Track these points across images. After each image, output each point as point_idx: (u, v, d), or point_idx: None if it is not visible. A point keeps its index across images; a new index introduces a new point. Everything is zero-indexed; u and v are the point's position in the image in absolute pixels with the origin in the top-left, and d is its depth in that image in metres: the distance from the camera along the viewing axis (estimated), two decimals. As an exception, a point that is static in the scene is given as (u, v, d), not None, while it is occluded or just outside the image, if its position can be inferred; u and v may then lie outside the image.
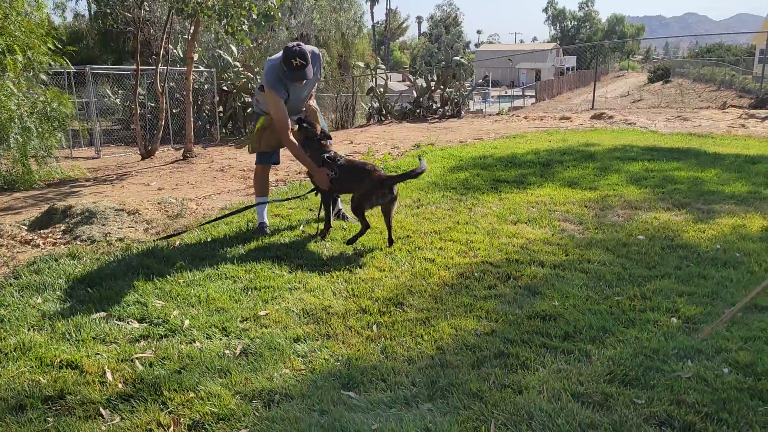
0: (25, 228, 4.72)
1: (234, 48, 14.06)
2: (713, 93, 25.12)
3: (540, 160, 7.22)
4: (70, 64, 7.83)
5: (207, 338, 2.82)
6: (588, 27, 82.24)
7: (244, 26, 8.79)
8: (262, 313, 3.08)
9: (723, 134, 9.85)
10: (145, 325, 2.96)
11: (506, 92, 41.92)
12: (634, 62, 71.64)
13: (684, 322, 2.93)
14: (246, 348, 2.72)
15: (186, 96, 9.80)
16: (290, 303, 3.21)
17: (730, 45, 45.12)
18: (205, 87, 13.75)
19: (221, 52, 14.18)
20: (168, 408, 2.27)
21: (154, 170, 8.69)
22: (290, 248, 4.10)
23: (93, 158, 11.20)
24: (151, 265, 3.71)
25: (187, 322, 2.96)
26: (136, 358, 2.62)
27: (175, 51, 13.95)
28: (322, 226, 4.42)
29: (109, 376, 2.47)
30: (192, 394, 2.34)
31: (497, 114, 16.46)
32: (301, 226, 4.65)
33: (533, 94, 37.79)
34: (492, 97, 33.32)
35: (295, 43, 4.06)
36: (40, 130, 7.15)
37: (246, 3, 8.59)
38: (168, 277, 3.53)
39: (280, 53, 4.15)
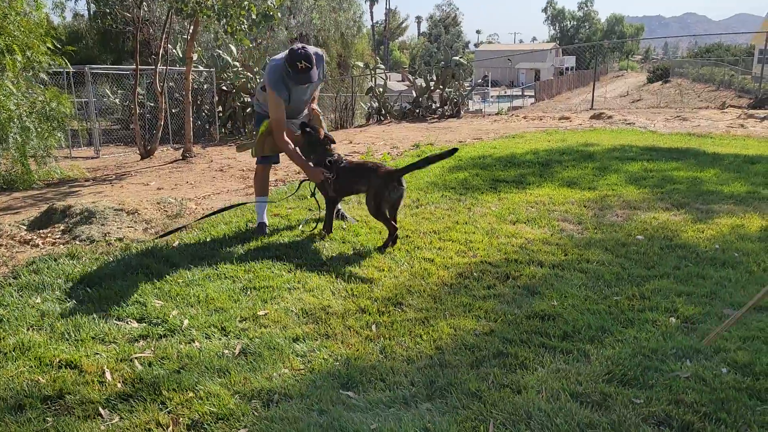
0: (24, 228, 4.72)
1: (233, 48, 14.06)
2: (712, 93, 25.15)
3: (539, 160, 7.22)
4: (69, 64, 7.83)
5: (206, 338, 2.82)
6: (587, 27, 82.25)
7: (243, 26, 8.79)
8: (261, 312, 3.08)
9: (722, 134, 9.86)
10: (144, 324, 2.97)
11: (505, 92, 41.87)
12: (634, 62, 71.69)
13: (683, 322, 2.93)
14: (245, 348, 2.72)
15: (185, 96, 9.80)
16: (289, 303, 3.21)
17: (729, 45, 45.18)
18: (205, 87, 13.75)
19: (220, 51, 14.19)
20: (167, 408, 2.27)
21: (154, 170, 8.69)
22: (289, 248, 4.11)
23: (92, 158, 11.20)
24: (150, 265, 3.72)
25: (186, 321, 2.96)
26: (135, 357, 2.62)
27: (174, 51, 13.95)
28: (321, 225, 4.42)
29: (108, 375, 2.47)
30: (191, 394, 2.34)
31: (496, 114, 16.47)
32: (301, 226, 4.66)
33: (532, 94, 37.80)
34: (491, 97, 33.30)
35: (300, 46, 4.05)
36: (39, 129, 7.15)
37: (245, 3, 8.59)
38: (167, 276, 3.54)
39: (283, 53, 4.15)
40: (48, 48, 7.12)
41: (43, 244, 4.29)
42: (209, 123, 13.77)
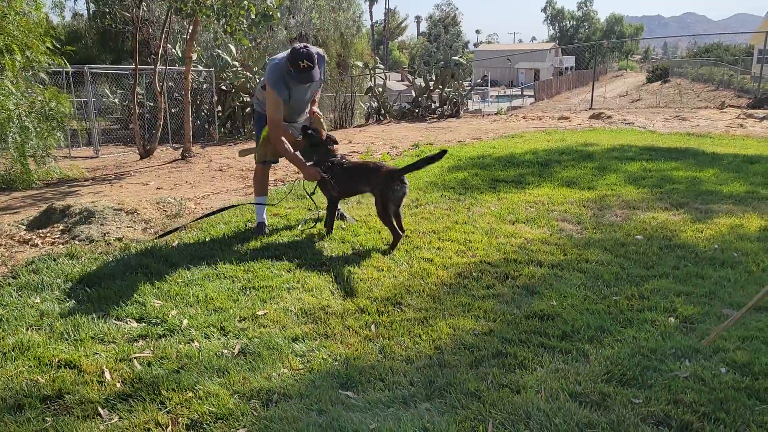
0: (24, 227, 4.72)
1: (232, 47, 14.06)
2: (711, 93, 25.15)
3: (538, 159, 7.22)
4: (68, 63, 7.83)
5: (205, 338, 2.82)
6: (587, 27, 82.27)
7: (242, 26, 8.79)
8: (260, 312, 3.08)
9: (721, 134, 9.86)
10: (144, 324, 2.97)
11: (505, 92, 41.89)
12: (633, 62, 71.71)
13: (682, 322, 2.94)
14: (244, 347, 2.72)
15: (184, 95, 9.80)
16: (288, 303, 3.21)
17: (728, 45, 45.18)
18: (204, 86, 13.74)
19: (220, 51, 14.18)
20: (166, 407, 2.27)
21: (153, 170, 8.69)
22: (289, 248, 4.11)
23: (91, 158, 11.20)
24: (149, 265, 3.71)
25: (185, 321, 2.96)
26: (135, 357, 2.62)
27: (173, 50, 13.95)
28: (320, 225, 4.42)
29: (107, 375, 2.47)
30: (190, 394, 2.34)
31: (496, 114, 16.47)
32: (300, 226, 4.66)
33: (532, 93, 37.80)
34: (491, 96, 33.31)
35: (302, 45, 4.05)
36: (38, 129, 7.15)
37: (245, 2, 8.59)
38: (166, 276, 3.53)
39: (284, 53, 4.15)
40: (47, 48, 7.12)
41: (42, 243, 4.29)
42: (208, 123, 13.77)
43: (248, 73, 13.52)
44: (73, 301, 3.22)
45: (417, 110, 15.01)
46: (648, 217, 4.76)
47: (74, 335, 2.82)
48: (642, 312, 3.04)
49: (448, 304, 3.17)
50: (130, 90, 11.02)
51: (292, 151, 4.26)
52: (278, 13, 9.49)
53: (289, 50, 4.08)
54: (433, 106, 15.08)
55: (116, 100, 14.70)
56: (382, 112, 15.24)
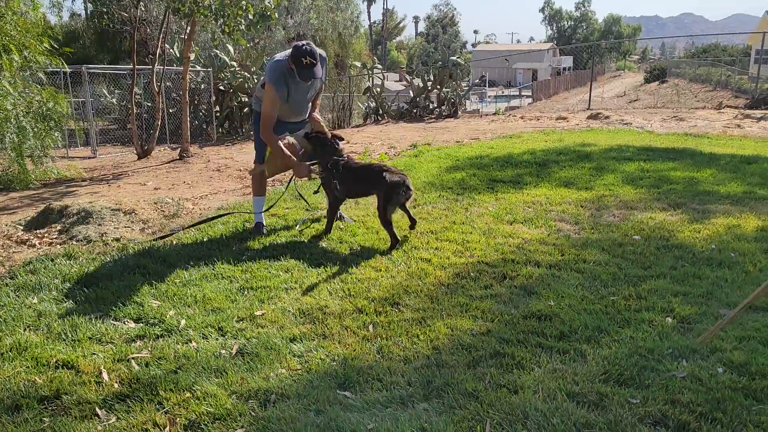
0: (21, 228, 4.71)
1: (231, 47, 14.04)
2: (709, 93, 25.19)
3: (536, 160, 7.23)
4: (65, 63, 7.81)
5: (203, 338, 2.82)
6: (585, 27, 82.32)
7: (240, 26, 8.78)
8: (258, 313, 3.08)
9: (719, 134, 9.88)
10: (141, 325, 2.96)
11: (503, 92, 41.90)
12: (631, 62, 71.76)
13: (679, 322, 2.94)
14: (242, 348, 2.72)
15: (182, 96, 9.79)
16: (286, 303, 3.22)
17: (726, 45, 45.23)
18: (202, 87, 13.72)
19: (218, 51, 14.15)
20: (164, 408, 2.27)
21: (151, 170, 8.68)
22: (287, 248, 4.11)
23: (89, 158, 11.17)
24: (147, 265, 3.71)
25: (183, 322, 2.96)
26: (132, 358, 2.62)
27: (171, 50, 13.92)
28: (318, 225, 4.42)
29: (105, 376, 2.47)
30: (188, 394, 2.34)
31: (494, 114, 16.47)
32: (298, 226, 4.66)
33: (530, 94, 37.81)
34: (489, 97, 33.36)
35: (305, 42, 4.09)
36: (36, 129, 7.13)
37: (242, 3, 8.58)
38: (164, 277, 3.53)
39: (285, 52, 4.18)
40: (45, 48, 7.10)
41: (39, 244, 4.28)
42: (206, 123, 13.74)
43: (246, 73, 13.50)
44: (71, 301, 3.22)
45: (415, 110, 15.01)
46: (645, 217, 4.77)
47: (72, 335, 2.82)
48: (639, 312, 3.05)
49: (446, 305, 3.17)
50: (128, 90, 11.01)
51: (282, 147, 4.26)
52: (276, 14, 9.49)
53: (292, 47, 4.10)
54: (431, 107, 15.08)
55: (114, 101, 14.67)
56: (380, 112, 15.23)
